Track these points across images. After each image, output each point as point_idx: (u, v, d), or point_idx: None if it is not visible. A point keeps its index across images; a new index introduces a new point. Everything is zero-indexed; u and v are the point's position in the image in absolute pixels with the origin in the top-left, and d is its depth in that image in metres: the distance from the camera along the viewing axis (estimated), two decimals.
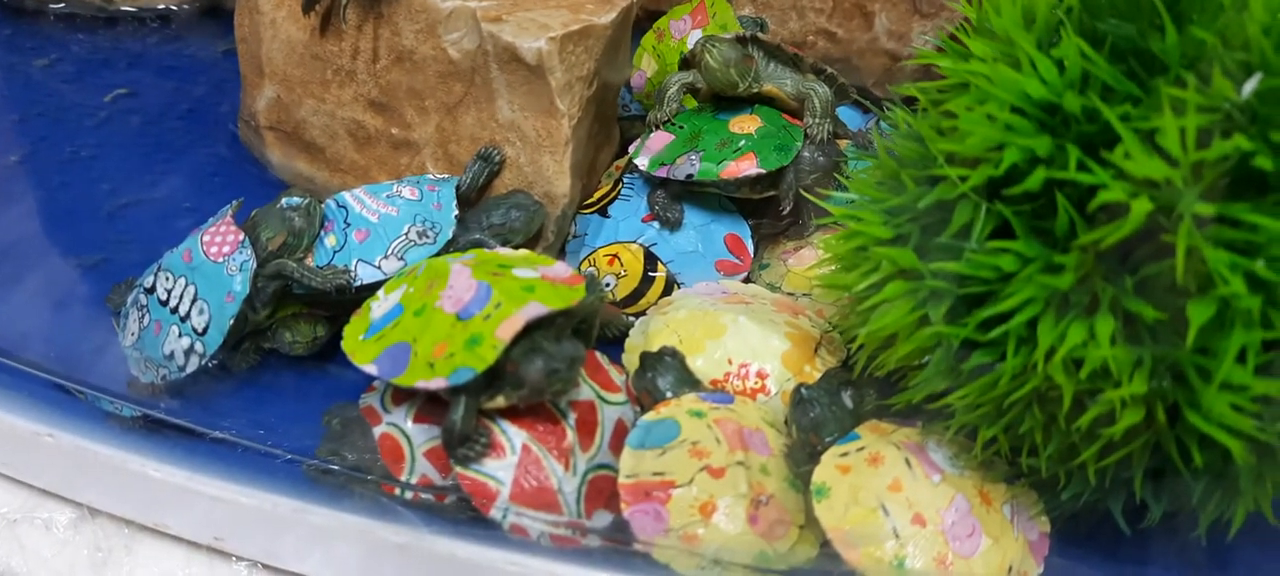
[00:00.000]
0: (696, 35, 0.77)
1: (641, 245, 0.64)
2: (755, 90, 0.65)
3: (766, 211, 0.67)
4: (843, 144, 0.68)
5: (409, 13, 0.64)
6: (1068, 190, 0.44)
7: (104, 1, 0.89)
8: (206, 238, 0.58)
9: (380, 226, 0.60)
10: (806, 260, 0.65)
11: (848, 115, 0.73)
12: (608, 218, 0.66)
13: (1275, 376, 0.41)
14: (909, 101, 0.53)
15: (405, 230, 0.60)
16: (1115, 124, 0.42)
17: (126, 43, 0.88)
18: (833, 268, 0.54)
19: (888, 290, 0.49)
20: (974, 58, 0.48)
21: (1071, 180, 0.43)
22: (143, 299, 0.59)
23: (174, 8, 0.90)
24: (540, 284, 0.52)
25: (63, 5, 0.89)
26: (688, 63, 0.68)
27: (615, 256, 0.64)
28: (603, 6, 0.64)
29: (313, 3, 0.66)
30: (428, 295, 0.52)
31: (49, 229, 0.70)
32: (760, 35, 0.66)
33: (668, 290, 0.64)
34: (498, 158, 0.64)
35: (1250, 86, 0.42)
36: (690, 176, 0.63)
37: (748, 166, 0.62)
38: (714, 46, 0.64)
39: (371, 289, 0.57)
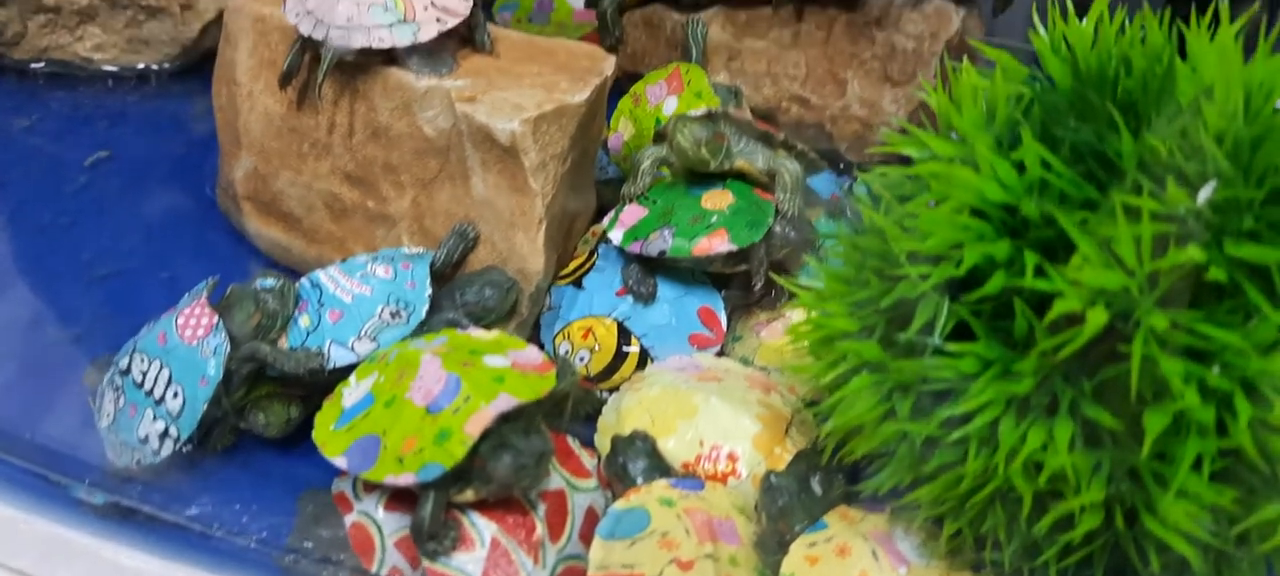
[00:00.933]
0: (672, 103, 0.78)
1: (615, 320, 0.65)
2: (727, 167, 0.66)
3: (739, 282, 0.67)
4: (815, 214, 0.69)
5: (385, 90, 0.64)
6: (1026, 294, 0.44)
7: (85, 60, 0.89)
8: (181, 320, 0.58)
9: (354, 306, 0.60)
10: (779, 333, 0.66)
11: (822, 179, 0.74)
12: (582, 289, 0.67)
13: (1231, 484, 0.42)
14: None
15: (379, 310, 0.60)
16: (1072, 232, 0.43)
17: (107, 101, 0.89)
18: (802, 351, 0.55)
19: (854, 383, 0.50)
20: (935, 156, 0.48)
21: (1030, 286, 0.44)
22: (118, 380, 0.59)
23: (153, 66, 0.91)
24: (510, 374, 0.52)
25: (44, 65, 0.90)
26: (661, 136, 0.69)
27: (589, 330, 0.65)
28: (576, 85, 0.65)
29: (289, 77, 0.66)
30: (398, 385, 0.52)
31: (27, 300, 0.70)
32: (731, 111, 0.66)
33: (641, 364, 0.64)
34: (472, 234, 0.64)
35: (1205, 194, 0.43)
36: (663, 253, 0.64)
37: (720, 243, 0.63)
38: (686, 127, 0.64)
39: (345, 372, 0.57)
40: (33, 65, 0.90)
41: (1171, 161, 0.44)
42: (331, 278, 0.61)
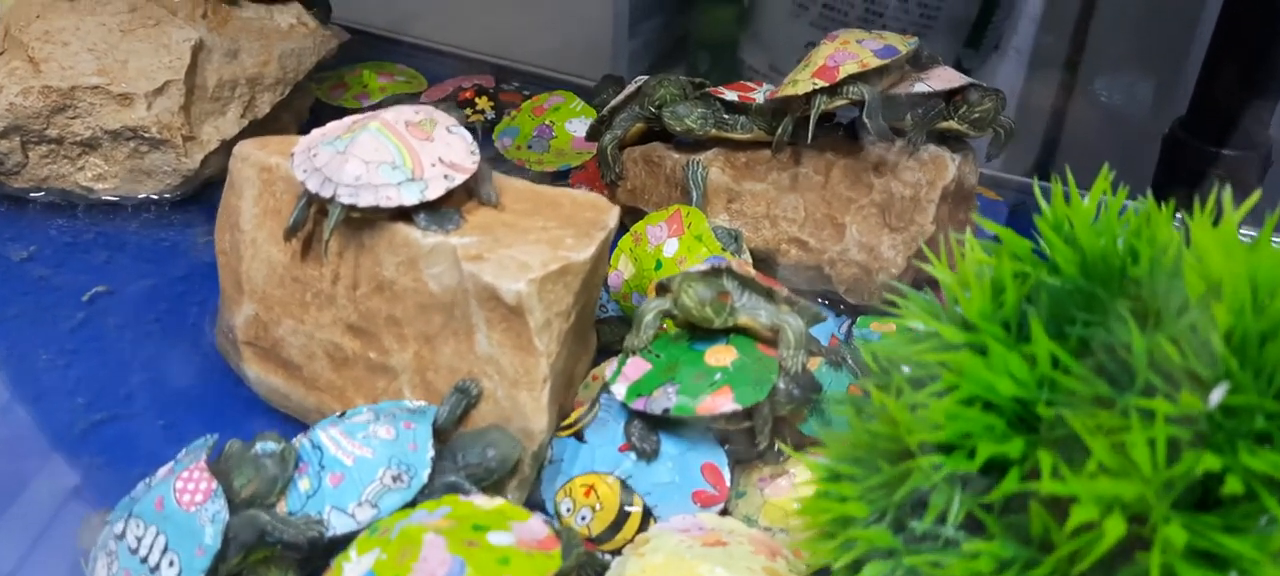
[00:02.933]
0: (673, 245, 0.78)
1: (618, 477, 0.64)
2: (731, 323, 0.66)
3: (742, 437, 0.67)
4: (815, 362, 0.69)
5: (391, 245, 0.64)
6: (1042, 494, 0.44)
7: (85, 189, 0.90)
8: (179, 484, 0.57)
9: (355, 470, 0.59)
10: (783, 490, 0.65)
11: (822, 325, 0.74)
12: (583, 443, 0.66)
13: None
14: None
15: (380, 474, 0.59)
16: (1086, 437, 0.43)
17: (107, 230, 0.89)
18: (811, 525, 0.54)
19: (867, 570, 0.49)
20: (948, 344, 0.49)
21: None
22: (112, 545, 0.58)
23: (153, 196, 0.91)
24: (515, 554, 0.51)
25: (44, 194, 0.90)
26: (664, 288, 0.69)
27: (591, 488, 0.64)
28: (582, 241, 0.65)
29: (295, 231, 0.66)
30: (400, 566, 0.52)
31: (22, 447, 0.69)
32: (734, 266, 0.67)
33: (644, 523, 0.64)
34: (475, 391, 0.64)
35: (1217, 397, 0.43)
36: (667, 411, 0.63)
37: (725, 403, 0.63)
38: (691, 286, 0.65)
39: (345, 538, 0.56)
40: (32, 194, 0.90)
41: (1183, 363, 0.44)
42: (333, 438, 0.61)
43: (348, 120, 0.68)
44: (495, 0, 1.23)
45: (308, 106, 1.05)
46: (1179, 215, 0.52)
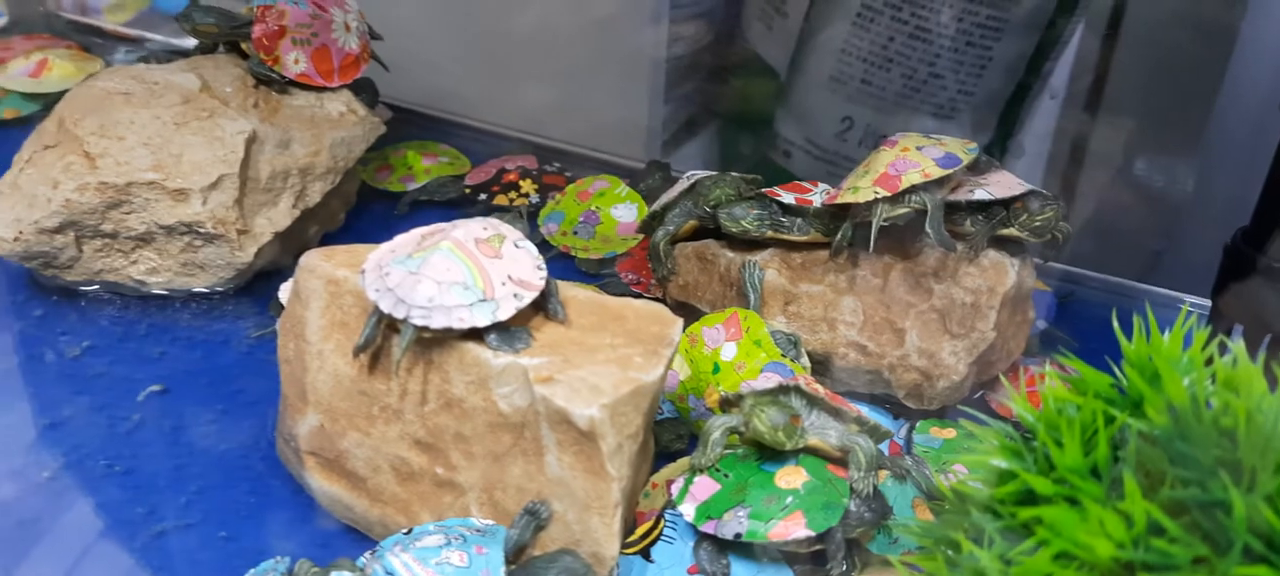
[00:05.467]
0: (730, 349, 0.79)
1: None
2: (800, 445, 0.66)
3: (810, 558, 0.67)
4: (882, 475, 0.69)
5: (461, 364, 0.65)
6: None
7: (138, 282, 0.90)
8: None
9: None
10: None
11: (879, 418, 0.74)
12: (651, 563, 0.66)
13: None
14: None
15: None
16: None
17: (159, 324, 0.89)
18: None
19: None
20: (1038, 497, 0.48)
21: None
22: None
23: (202, 289, 0.91)
24: None
25: (97, 287, 0.90)
26: (729, 403, 0.69)
27: None
28: (650, 360, 0.65)
29: (365, 347, 0.66)
30: None
31: (89, 562, 0.69)
32: (802, 385, 0.67)
33: None
34: (545, 514, 0.64)
35: None
36: (738, 535, 0.63)
37: (796, 528, 0.63)
38: (762, 411, 0.65)
39: None
40: (83, 287, 0.90)
41: None
42: (406, 565, 0.60)
43: (416, 234, 0.69)
44: (532, 78, 1.24)
45: (355, 191, 1.05)
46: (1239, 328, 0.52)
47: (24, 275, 0.91)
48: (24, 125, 1.19)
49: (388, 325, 0.66)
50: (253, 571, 0.62)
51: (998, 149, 1.18)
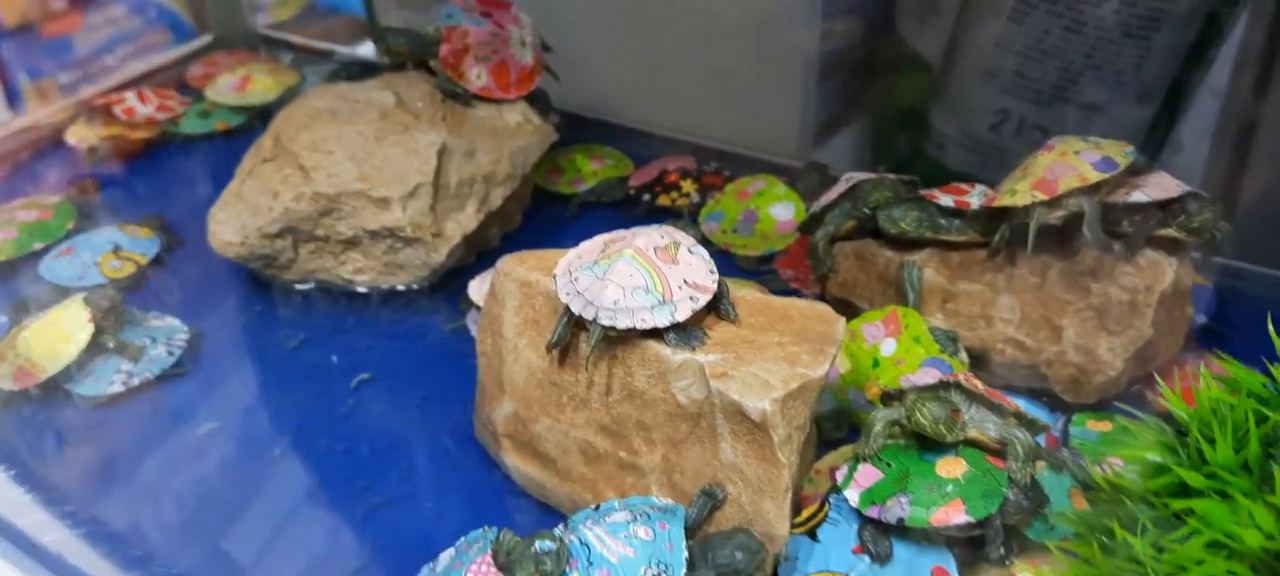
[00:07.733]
0: (890, 345, 0.83)
1: None
2: (960, 437, 0.70)
3: (968, 542, 0.71)
4: (1039, 466, 0.72)
5: (643, 360, 0.71)
6: None
7: (346, 281, 1.00)
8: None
9: (620, 567, 0.66)
10: None
11: (1036, 411, 0.77)
12: (817, 542, 0.72)
13: None
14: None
15: (642, 571, 0.66)
16: None
17: (365, 318, 0.99)
18: None
19: None
20: (1190, 489, 0.52)
21: None
22: None
23: (399, 287, 1.01)
24: None
25: (310, 285, 1.01)
26: (891, 397, 0.74)
27: None
28: (816, 357, 0.70)
29: (557, 343, 0.74)
30: None
31: (319, 527, 0.79)
32: (963, 381, 0.71)
33: None
34: (721, 495, 0.70)
35: None
36: (901, 520, 0.68)
37: (957, 515, 0.67)
38: (924, 406, 0.69)
39: None
40: (298, 285, 1.01)
41: None
42: (598, 537, 0.68)
43: (599, 242, 0.76)
44: (688, 81, 1.30)
45: (529, 193, 1.13)
46: None
47: (246, 274, 1.03)
48: (230, 136, 1.32)
49: (576, 324, 0.73)
50: (463, 538, 0.70)
51: (1156, 143, 1.18)
